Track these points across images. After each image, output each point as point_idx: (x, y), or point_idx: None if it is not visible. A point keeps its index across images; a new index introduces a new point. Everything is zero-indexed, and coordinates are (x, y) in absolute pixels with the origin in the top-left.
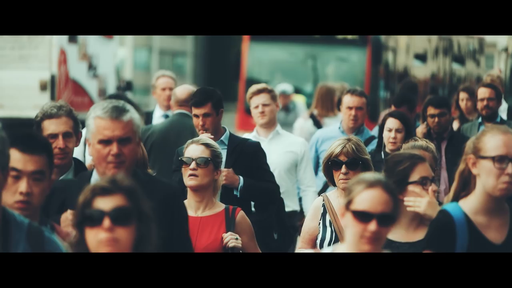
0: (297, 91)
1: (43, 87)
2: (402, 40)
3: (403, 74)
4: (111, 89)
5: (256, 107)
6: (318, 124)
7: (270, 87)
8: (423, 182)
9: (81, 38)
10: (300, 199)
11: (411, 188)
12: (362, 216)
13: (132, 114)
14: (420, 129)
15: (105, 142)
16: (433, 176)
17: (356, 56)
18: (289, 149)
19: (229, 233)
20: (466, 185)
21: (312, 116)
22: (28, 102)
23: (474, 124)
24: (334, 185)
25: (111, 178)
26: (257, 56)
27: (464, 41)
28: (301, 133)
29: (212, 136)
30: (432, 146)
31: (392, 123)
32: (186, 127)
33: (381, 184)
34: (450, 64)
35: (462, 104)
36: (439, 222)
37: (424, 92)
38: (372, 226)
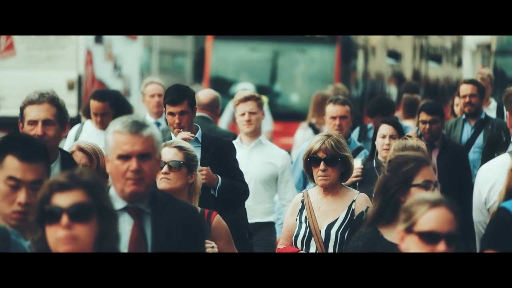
0: (264, 90)
1: (70, 86)
2: (373, 38)
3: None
4: (136, 89)
5: (242, 114)
6: (318, 133)
7: (258, 95)
8: (426, 186)
9: (106, 38)
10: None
11: (414, 190)
12: (429, 237)
13: (153, 130)
14: (410, 134)
15: (124, 157)
16: (436, 180)
17: (325, 55)
18: (269, 160)
19: (205, 241)
20: None
21: (311, 125)
22: None
23: (459, 120)
24: (314, 181)
25: (69, 173)
26: (222, 55)
27: (440, 40)
28: (302, 142)
29: (192, 135)
30: (423, 145)
31: (385, 129)
32: (207, 130)
33: (444, 202)
34: (426, 63)
35: (457, 109)
36: (499, 220)
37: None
38: (441, 246)
